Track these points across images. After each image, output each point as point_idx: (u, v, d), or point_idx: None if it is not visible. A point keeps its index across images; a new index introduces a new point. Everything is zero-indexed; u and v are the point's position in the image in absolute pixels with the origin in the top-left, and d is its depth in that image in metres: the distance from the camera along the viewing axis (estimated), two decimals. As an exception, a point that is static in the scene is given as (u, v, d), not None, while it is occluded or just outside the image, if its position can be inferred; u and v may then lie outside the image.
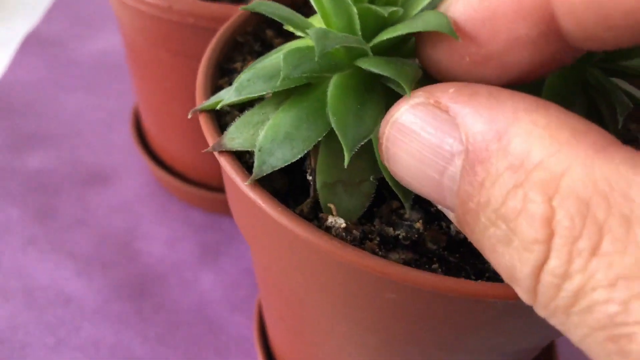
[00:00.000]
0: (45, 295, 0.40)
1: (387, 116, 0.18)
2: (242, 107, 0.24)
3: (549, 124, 0.15)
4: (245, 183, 0.20)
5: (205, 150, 0.21)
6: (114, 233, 0.44)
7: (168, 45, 0.35)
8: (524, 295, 0.16)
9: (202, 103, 0.23)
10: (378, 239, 0.22)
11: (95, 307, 0.40)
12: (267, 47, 0.28)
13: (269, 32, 0.29)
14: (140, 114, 0.48)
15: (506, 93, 0.16)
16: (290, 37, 0.29)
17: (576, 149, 0.14)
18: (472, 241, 0.17)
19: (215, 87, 0.25)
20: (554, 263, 0.14)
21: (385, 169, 0.20)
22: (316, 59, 0.18)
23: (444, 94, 0.16)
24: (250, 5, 0.21)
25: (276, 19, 0.20)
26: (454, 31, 0.17)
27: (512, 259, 0.15)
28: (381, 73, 0.18)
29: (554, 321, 0.15)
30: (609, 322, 0.13)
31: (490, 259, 0.16)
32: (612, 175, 0.13)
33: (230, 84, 0.26)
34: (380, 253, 0.21)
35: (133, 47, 0.39)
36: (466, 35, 0.17)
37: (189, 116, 0.23)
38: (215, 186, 0.45)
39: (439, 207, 0.18)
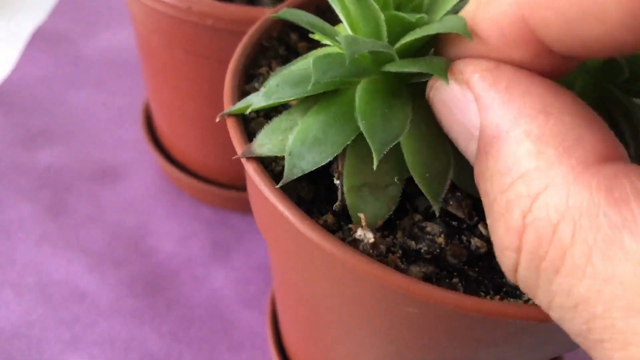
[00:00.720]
0: (59, 291, 0.40)
1: (431, 81, 0.19)
2: (267, 112, 0.25)
3: (540, 136, 0.15)
4: (276, 186, 0.21)
5: (235, 157, 0.22)
6: (125, 229, 0.45)
7: (185, 46, 0.36)
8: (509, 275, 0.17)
9: (230, 107, 0.24)
10: (400, 252, 0.22)
11: (109, 303, 0.40)
12: (291, 51, 0.29)
13: (293, 37, 0.29)
14: (152, 111, 0.48)
15: (522, 87, 0.16)
16: (314, 41, 0.30)
17: (557, 169, 0.15)
18: None
19: (241, 92, 0.25)
20: (522, 274, 0.16)
21: (414, 168, 0.21)
22: (347, 63, 0.18)
23: (472, 75, 0.17)
24: (279, 13, 0.22)
25: (305, 26, 0.21)
26: (469, 32, 0.18)
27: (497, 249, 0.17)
28: (412, 71, 0.18)
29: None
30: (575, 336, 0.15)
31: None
32: (583, 202, 0.14)
33: (256, 89, 0.26)
34: (402, 266, 0.22)
35: (147, 45, 0.40)
36: (480, 39, 0.18)
37: (217, 119, 0.23)
38: (226, 183, 0.45)
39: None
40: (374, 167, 0.19)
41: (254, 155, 0.22)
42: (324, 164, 0.20)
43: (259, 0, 0.38)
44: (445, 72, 0.18)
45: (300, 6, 0.29)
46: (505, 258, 0.16)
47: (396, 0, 0.21)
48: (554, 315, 0.16)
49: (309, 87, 0.19)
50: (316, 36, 0.22)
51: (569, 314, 0.14)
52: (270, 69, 0.27)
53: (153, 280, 0.42)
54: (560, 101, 0.16)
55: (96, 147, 0.50)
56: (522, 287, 0.16)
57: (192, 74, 0.38)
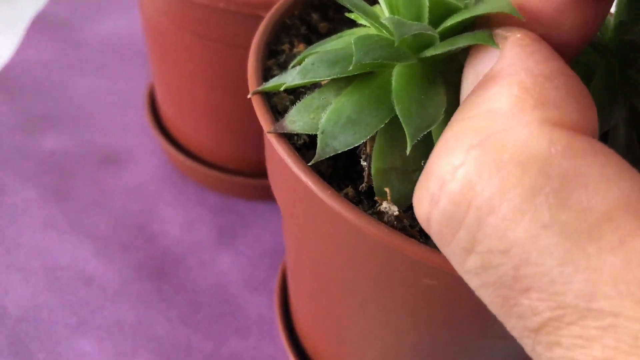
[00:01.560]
0: (66, 275, 0.40)
1: (473, 52, 0.18)
2: (291, 90, 0.25)
3: (530, 89, 0.15)
4: (309, 164, 0.21)
5: (268, 131, 0.22)
6: (130, 214, 0.45)
7: (195, 28, 0.35)
8: None
9: (258, 84, 0.24)
10: (419, 227, 0.23)
11: (116, 288, 0.40)
12: (312, 30, 0.29)
13: (314, 16, 0.29)
14: (156, 96, 0.48)
15: (544, 57, 0.16)
16: (335, 21, 0.30)
17: (528, 115, 0.14)
18: None
19: (264, 69, 0.25)
20: (445, 211, 0.15)
21: None
22: (395, 44, 0.18)
23: (509, 36, 0.17)
24: None
25: (348, 6, 0.21)
26: (516, 10, 0.18)
27: None
28: (458, 46, 0.18)
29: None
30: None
31: None
32: (541, 149, 0.14)
33: (278, 64, 0.26)
34: (421, 240, 0.22)
35: (155, 28, 0.40)
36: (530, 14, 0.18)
37: (249, 96, 0.23)
38: (233, 169, 0.45)
39: None
40: (407, 152, 0.19)
41: (285, 131, 0.22)
42: (356, 145, 0.20)
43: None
44: (491, 39, 0.18)
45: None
46: (430, 188, 0.15)
47: None
48: (471, 263, 0.14)
49: (350, 67, 0.19)
50: (352, 15, 0.22)
51: (496, 259, 0.14)
52: (292, 46, 0.27)
53: (159, 265, 0.42)
54: (569, 84, 0.16)
55: (100, 132, 0.50)
56: (437, 228, 0.15)
57: (201, 58, 0.38)
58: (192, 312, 0.40)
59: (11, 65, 0.54)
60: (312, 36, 0.30)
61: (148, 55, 0.44)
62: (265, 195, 0.46)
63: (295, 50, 0.27)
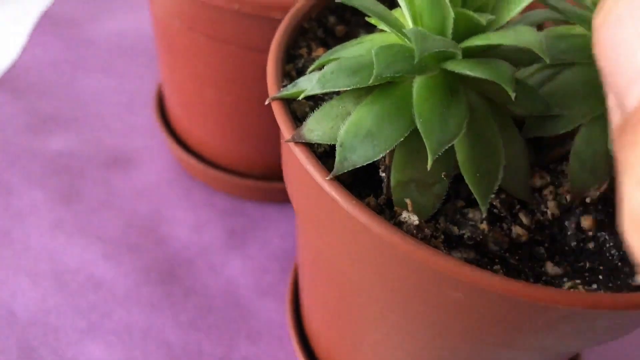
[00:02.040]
0: (75, 278, 0.40)
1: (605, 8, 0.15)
2: (311, 95, 0.25)
3: None
4: (327, 178, 0.20)
5: (286, 140, 0.21)
6: (139, 217, 0.44)
7: (207, 30, 0.35)
8: None
9: (277, 90, 0.23)
10: (442, 237, 0.22)
11: (126, 291, 0.40)
12: (329, 33, 0.29)
13: (331, 19, 0.29)
14: (165, 97, 0.47)
15: None
16: (352, 24, 0.30)
17: None
18: None
19: (283, 72, 0.25)
20: None
21: (465, 167, 0.21)
22: (416, 60, 0.18)
23: None
24: None
25: (371, 14, 0.20)
26: (544, 51, 0.17)
27: None
28: (478, 76, 0.18)
29: None
30: None
31: None
32: None
33: (296, 69, 0.26)
34: (444, 251, 0.22)
35: (166, 29, 0.39)
36: None
37: (267, 102, 0.23)
38: (243, 172, 0.45)
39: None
40: (428, 167, 0.19)
41: (303, 141, 0.21)
42: (376, 159, 0.20)
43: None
44: (511, 81, 0.18)
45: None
46: None
47: None
48: None
49: (370, 81, 0.19)
50: (373, 20, 0.22)
51: None
52: (310, 50, 0.27)
53: (169, 268, 0.41)
54: None
55: (107, 133, 0.50)
56: None
57: (213, 60, 0.37)
58: (203, 316, 0.39)
59: (18, 64, 0.54)
60: (329, 39, 0.29)
61: (158, 56, 0.44)
62: (276, 197, 0.45)
63: (313, 54, 0.27)
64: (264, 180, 0.44)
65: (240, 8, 0.32)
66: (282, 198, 0.46)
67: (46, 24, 0.58)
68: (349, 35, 0.30)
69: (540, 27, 0.31)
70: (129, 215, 0.44)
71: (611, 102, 0.16)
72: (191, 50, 0.38)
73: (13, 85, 0.52)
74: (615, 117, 0.15)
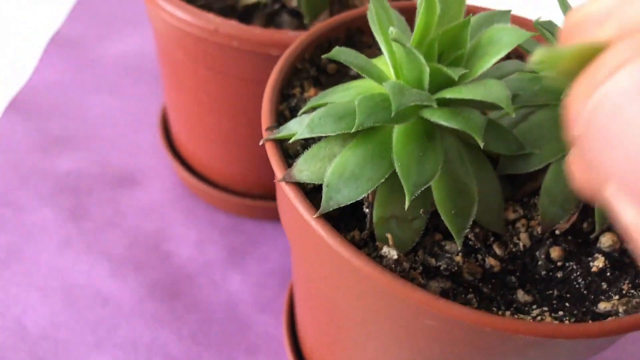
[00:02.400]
0: (83, 294, 0.42)
1: (588, 84, 0.14)
2: None
3: None
4: (314, 216, 0.22)
5: (277, 180, 0.24)
6: (144, 234, 0.46)
7: (209, 64, 0.37)
8: None
9: (270, 132, 0.25)
10: (421, 268, 0.24)
11: (131, 307, 0.42)
12: (321, 71, 0.31)
13: (323, 58, 0.31)
14: (169, 120, 0.50)
15: None
16: (344, 65, 0.32)
17: None
18: None
19: (276, 113, 0.27)
20: None
21: (441, 205, 0.23)
22: (392, 114, 0.20)
23: None
24: (331, 53, 0.24)
25: (354, 68, 0.22)
26: (511, 107, 0.19)
27: None
28: (450, 125, 0.20)
29: None
30: None
31: None
32: None
33: (289, 108, 0.28)
34: (422, 281, 0.24)
35: (170, 59, 0.41)
36: None
37: (260, 143, 0.25)
38: (242, 191, 0.47)
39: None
40: (406, 207, 0.21)
41: (293, 181, 0.23)
42: (358, 199, 0.22)
43: (277, 20, 0.40)
44: (481, 130, 0.20)
45: (331, 29, 0.31)
46: None
47: (440, 49, 0.22)
48: None
49: (353, 130, 0.21)
50: (365, 77, 0.24)
51: None
52: (303, 89, 0.29)
53: (172, 284, 0.44)
54: None
55: (114, 153, 0.52)
56: None
57: (214, 89, 0.39)
58: (204, 330, 0.41)
59: (29, 86, 0.56)
60: (322, 76, 0.31)
61: (162, 81, 0.46)
62: (273, 216, 0.48)
63: (305, 94, 0.29)
64: (261, 199, 0.46)
65: (240, 45, 0.34)
66: (279, 216, 0.48)
67: (55, 46, 0.61)
68: (340, 72, 0.32)
69: (522, 57, 0.33)
70: (134, 233, 0.46)
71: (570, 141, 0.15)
72: (193, 80, 0.40)
73: (24, 106, 0.54)
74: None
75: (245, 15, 0.40)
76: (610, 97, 0.13)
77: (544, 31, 0.27)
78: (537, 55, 0.14)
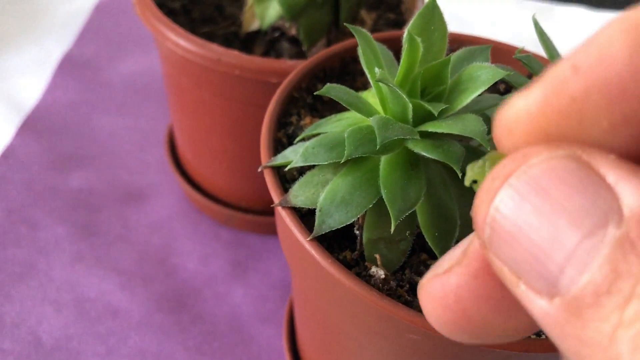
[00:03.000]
0: (94, 307, 0.44)
1: (498, 173, 0.14)
2: None
3: None
4: (307, 239, 0.25)
5: (273, 205, 0.26)
6: (152, 249, 0.49)
7: (213, 90, 0.40)
8: None
9: (268, 159, 0.28)
10: (407, 286, 0.26)
11: (140, 319, 0.44)
12: (317, 98, 0.33)
13: (320, 87, 0.33)
14: (175, 139, 0.52)
15: None
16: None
17: None
18: (568, 333, 0.13)
19: (274, 140, 0.29)
20: None
21: (425, 228, 0.25)
22: (377, 147, 0.22)
23: (603, 157, 0.13)
24: (322, 90, 0.26)
25: (344, 104, 0.25)
26: (486, 141, 0.22)
27: None
28: (431, 157, 0.22)
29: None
30: None
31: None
32: None
33: (287, 136, 0.30)
34: (409, 298, 0.26)
35: (175, 83, 0.44)
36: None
37: (259, 170, 0.27)
38: (245, 207, 0.49)
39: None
40: (392, 231, 0.23)
41: (289, 205, 0.26)
42: (349, 223, 0.24)
43: (277, 46, 0.42)
44: (459, 161, 0.22)
45: (327, 59, 0.34)
46: None
47: (423, 84, 0.25)
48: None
49: (343, 160, 0.23)
50: (354, 112, 0.26)
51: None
52: (300, 117, 0.31)
53: (178, 297, 0.46)
54: None
55: (122, 170, 0.54)
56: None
57: (218, 113, 0.42)
58: (208, 341, 0.43)
59: (41, 105, 0.59)
60: (317, 104, 0.34)
61: (168, 103, 0.48)
62: (275, 231, 0.49)
63: (301, 122, 0.31)
64: (263, 215, 0.49)
65: (241, 74, 0.36)
66: (281, 231, 0.50)
67: (67, 66, 0.63)
68: (334, 101, 0.34)
69: (510, 88, 0.35)
70: (142, 248, 0.49)
71: None
72: (198, 103, 0.42)
73: (37, 125, 0.57)
74: None
75: (247, 42, 0.42)
76: (500, 210, 0.14)
77: (524, 62, 0.29)
78: (468, 173, 0.15)
